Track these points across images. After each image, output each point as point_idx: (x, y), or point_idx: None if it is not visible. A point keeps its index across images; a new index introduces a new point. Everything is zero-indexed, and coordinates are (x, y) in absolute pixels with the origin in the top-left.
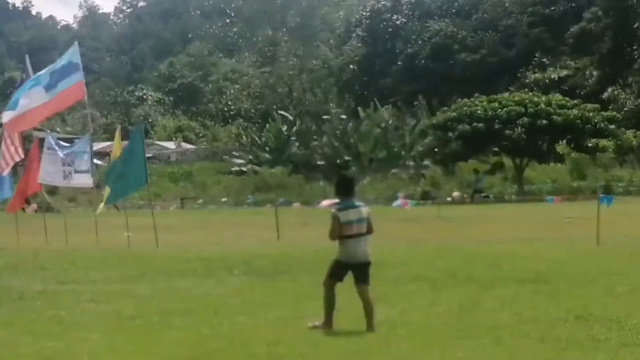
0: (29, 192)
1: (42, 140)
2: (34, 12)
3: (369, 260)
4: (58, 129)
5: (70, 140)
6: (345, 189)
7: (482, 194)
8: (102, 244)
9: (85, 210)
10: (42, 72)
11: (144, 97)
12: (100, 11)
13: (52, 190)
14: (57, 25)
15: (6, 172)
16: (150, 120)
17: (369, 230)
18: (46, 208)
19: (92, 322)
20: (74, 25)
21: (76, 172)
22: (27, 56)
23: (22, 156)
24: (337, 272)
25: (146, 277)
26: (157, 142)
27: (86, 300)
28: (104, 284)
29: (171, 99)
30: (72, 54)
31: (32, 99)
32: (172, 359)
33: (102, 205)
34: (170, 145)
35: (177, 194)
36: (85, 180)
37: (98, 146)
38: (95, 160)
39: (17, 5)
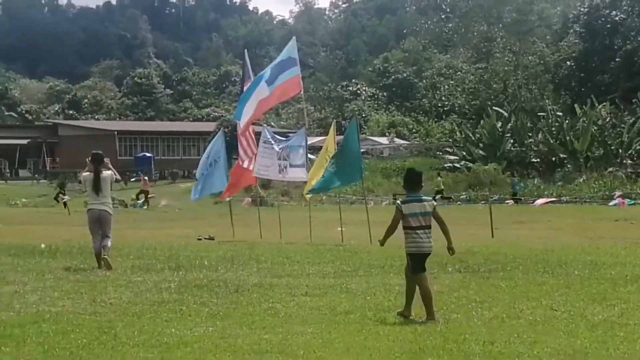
0: (244, 185)
1: (257, 134)
2: (250, 7)
3: (431, 251)
4: (273, 123)
5: (284, 135)
6: (411, 183)
7: (516, 198)
8: (315, 239)
9: (298, 204)
10: (265, 69)
11: (358, 92)
12: (316, 6)
13: (266, 184)
14: (273, 21)
15: (251, 165)
16: (363, 115)
17: (440, 222)
18: (260, 201)
19: (307, 315)
20: (290, 21)
21: (291, 166)
22: (245, 51)
23: (256, 151)
24: (418, 264)
25: (360, 272)
26: (370, 137)
27: (301, 294)
28: (319, 278)
29: (385, 94)
30: (291, 49)
31: (256, 96)
32: (386, 354)
33: (306, 190)
34: (384, 140)
35: (389, 189)
36: (299, 174)
37: (312, 141)
38: (309, 155)
39: (234, 0)
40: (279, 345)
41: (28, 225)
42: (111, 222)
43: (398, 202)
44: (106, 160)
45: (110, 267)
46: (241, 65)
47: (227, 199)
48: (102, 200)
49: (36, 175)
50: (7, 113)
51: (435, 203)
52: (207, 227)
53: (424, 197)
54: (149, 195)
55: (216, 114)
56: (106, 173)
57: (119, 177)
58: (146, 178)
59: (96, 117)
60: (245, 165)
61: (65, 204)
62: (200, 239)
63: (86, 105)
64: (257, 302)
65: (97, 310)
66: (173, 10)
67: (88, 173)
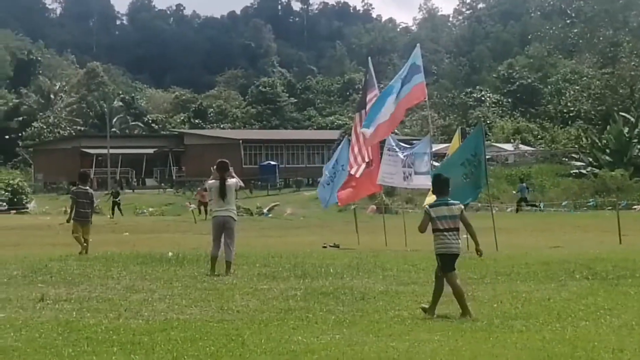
0: (368, 193)
1: (381, 142)
2: (374, 15)
3: (459, 252)
4: (397, 131)
5: (408, 142)
6: (439, 188)
7: (527, 204)
8: None
9: (423, 211)
10: (395, 80)
11: (482, 98)
12: (439, 13)
13: (390, 192)
14: (396, 28)
15: (358, 172)
16: (488, 121)
17: (467, 225)
18: (384, 209)
19: (434, 323)
20: (413, 28)
21: (416, 173)
22: (369, 59)
23: (371, 157)
24: (447, 264)
25: (486, 280)
26: (495, 144)
27: (427, 301)
28: (445, 286)
29: (509, 100)
30: (415, 56)
31: (387, 110)
32: None
33: (427, 200)
34: (508, 147)
35: (514, 196)
36: (424, 181)
37: (436, 148)
38: (433, 162)
39: (357, 8)
40: (405, 353)
41: (155, 233)
42: (235, 230)
43: (426, 206)
44: (230, 168)
45: (229, 272)
46: (364, 72)
47: (341, 205)
48: (227, 207)
49: (162, 184)
50: (133, 123)
51: (462, 207)
52: (332, 235)
53: (451, 201)
54: (207, 207)
55: (340, 121)
56: (231, 180)
57: (243, 184)
58: (200, 189)
59: (221, 126)
60: (352, 171)
61: (193, 211)
62: (325, 247)
63: (211, 114)
64: (383, 309)
65: (225, 318)
66: (297, 19)
67: (214, 181)
